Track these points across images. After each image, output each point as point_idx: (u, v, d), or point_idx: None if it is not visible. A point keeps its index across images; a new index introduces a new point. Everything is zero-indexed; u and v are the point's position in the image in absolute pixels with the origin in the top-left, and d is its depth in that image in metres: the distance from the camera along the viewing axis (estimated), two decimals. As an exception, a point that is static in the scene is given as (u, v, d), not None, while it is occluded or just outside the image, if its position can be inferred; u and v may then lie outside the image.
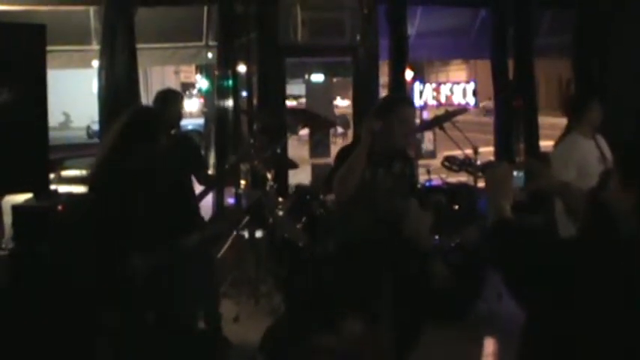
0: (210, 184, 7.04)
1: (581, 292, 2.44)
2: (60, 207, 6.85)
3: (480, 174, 3.31)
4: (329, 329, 3.99)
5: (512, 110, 10.89)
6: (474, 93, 17.95)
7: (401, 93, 9.65)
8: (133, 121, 4.96)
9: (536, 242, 2.69)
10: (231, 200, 9.36)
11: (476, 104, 17.70)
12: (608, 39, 10.64)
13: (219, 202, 9.53)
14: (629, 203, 2.48)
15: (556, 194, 4.24)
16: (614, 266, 2.43)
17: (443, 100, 17.70)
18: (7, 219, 7.28)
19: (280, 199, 8.26)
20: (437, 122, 7.92)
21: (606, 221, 2.59)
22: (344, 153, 5.32)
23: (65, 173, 11.01)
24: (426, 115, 17.26)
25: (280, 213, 7.97)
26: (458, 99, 17.74)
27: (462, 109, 9.25)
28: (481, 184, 3.29)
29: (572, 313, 2.46)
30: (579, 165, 5.94)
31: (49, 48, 7.06)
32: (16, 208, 7.02)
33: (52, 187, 7.64)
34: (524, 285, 2.66)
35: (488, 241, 2.90)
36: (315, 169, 11.22)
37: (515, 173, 3.32)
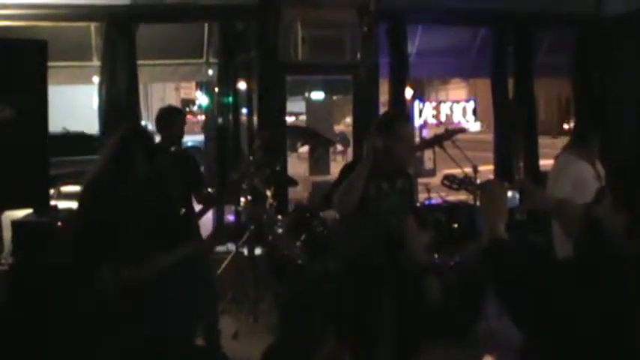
0: (208, 202, 7.03)
1: (576, 309, 2.45)
2: (59, 223, 6.86)
3: (478, 192, 3.32)
4: (327, 346, 3.99)
5: (511, 129, 10.90)
6: (474, 112, 17.95)
7: (399, 110, 9.64)
8: (123, 143, 4.88)
9: (529, 262, 2.71)
10: (231, 217, 9.35)
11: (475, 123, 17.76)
12: (608, 58, 10.68)
13: (219, 219, 9.53)
14: (620, 222, 2.50)
15: (551, 213, 4.25)
16: (609, 283, 2.44)
17: (443, 118, 17.69)
18: (7, 234, 7.29)
19: (280, 217, 8.25)
20: (436, 140, 7.92)
21: (600, 239, 2.61)
22: (347, 170, 5.33)
23: (65, 189, 11.01)
24: (425, 133, 17.29)
25: (280, 230, 7.97)
26: (457, 117, 17.74)
27: (462, 128, 9.25)
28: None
29: (569, 331, 2.46)
30: (574, 182, 5.96)
31: (50, 64, 7.09)
32: (15, 224, 7.04)
33: (52, 202, 7.65)
34: (520, 304, 2.66)
35: (483, 261, 2.91)
36: (314, 186, 11.25)
37: (510, 193, 3.33)
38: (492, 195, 3.09)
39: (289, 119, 20.44)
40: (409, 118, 5.97)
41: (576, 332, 2.45)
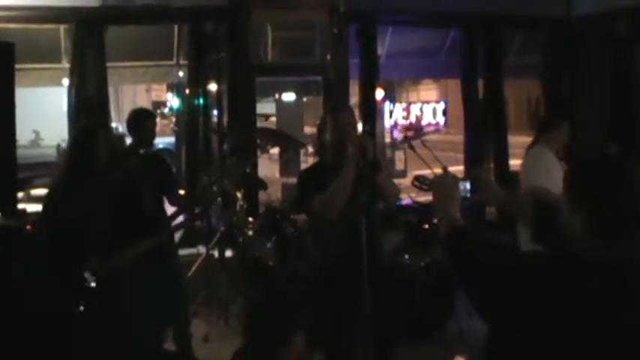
0: (181, 205, 6.95)
1: (534, 308, 2.46)
2: (28, 226, 6.80)
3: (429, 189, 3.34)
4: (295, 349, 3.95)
5: (481, 129, 10.94)
6: (444, 112, 18.03)
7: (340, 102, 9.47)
8: (81, 142, 4.91)
9: (493, 255, 2.72)
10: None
11: (446, 124, 17.80)
12: (577, 59, 10.75)
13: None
14: (578, 225, 2.50)
15: (504, 206, 4.27)
16: (566, 282, 2.44)
17: (413, 119, 17.76)
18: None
19: (250, 219, 8.24)
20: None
21: (558, 239, 2.62)
22: (309, 175, 5.30)
23: (34, 192, 10.91)
24: (396, 134, 17.32)
25: (250, 232, 7.96)
26: (428, 118, 17.81)
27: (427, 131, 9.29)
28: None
29: (530, 325, 2.47)
30: (547, 171, 5.97)
31: (19, 66, 7.03)
32: (-18, 228, 6.96)
33: (21, 206, 7.59)
34: (484, 293, 2.68)
35: (445, 249, 2.93)
36: (285, 188, 11.22)
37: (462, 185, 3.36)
38: (442, 187, 3.12)
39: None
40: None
41: (536, 327, 2.45)
